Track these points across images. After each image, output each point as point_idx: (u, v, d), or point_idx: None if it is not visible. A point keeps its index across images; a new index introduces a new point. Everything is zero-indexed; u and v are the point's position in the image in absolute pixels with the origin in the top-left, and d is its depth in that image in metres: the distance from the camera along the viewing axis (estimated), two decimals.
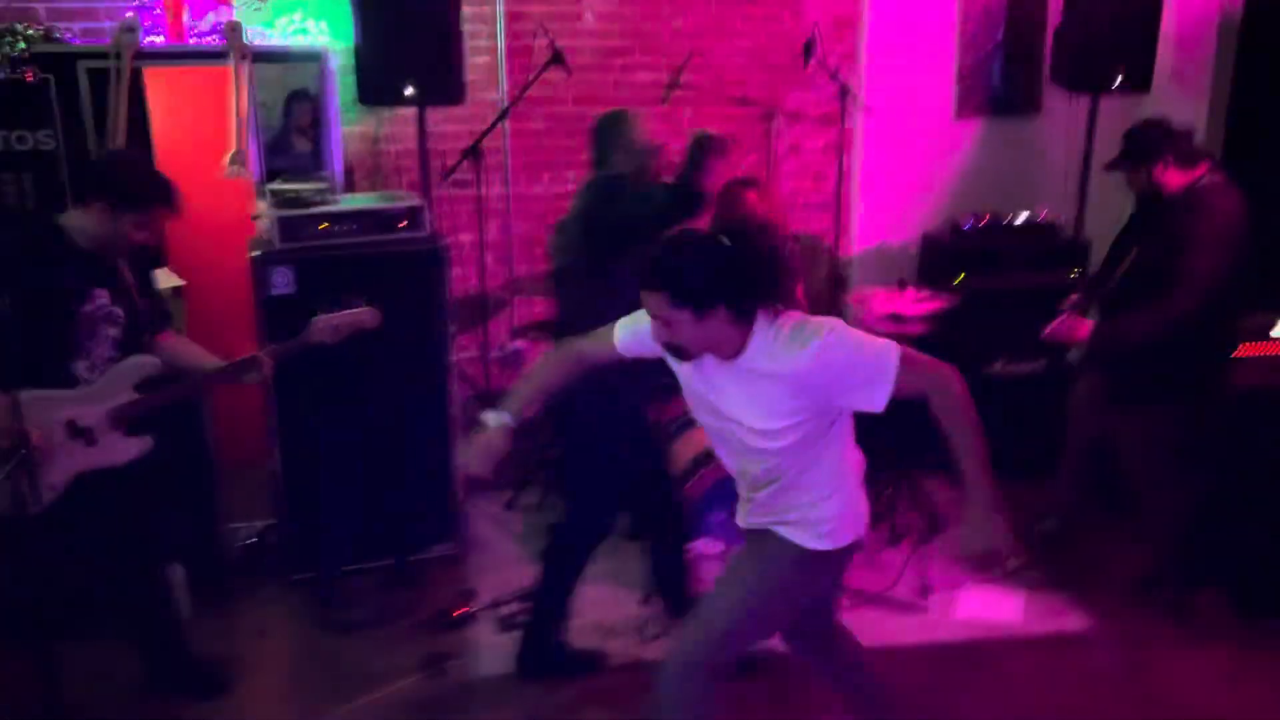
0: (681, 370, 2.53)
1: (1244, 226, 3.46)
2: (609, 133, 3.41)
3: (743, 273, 2.30)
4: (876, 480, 4.34)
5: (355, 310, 3.37)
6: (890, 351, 2.30)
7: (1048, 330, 3.74)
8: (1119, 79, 4.72)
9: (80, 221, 2.93)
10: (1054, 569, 4.12)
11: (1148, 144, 3.55)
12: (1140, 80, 4.78)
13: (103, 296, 2.97)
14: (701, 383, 2.49)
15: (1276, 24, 4.78)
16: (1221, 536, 3.84)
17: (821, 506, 2.50)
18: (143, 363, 3.06)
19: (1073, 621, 3.87)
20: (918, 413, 2.35)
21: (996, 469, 2.40)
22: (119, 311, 3.02)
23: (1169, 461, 3.70)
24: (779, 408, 2.37)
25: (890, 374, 2.28)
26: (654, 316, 2.34)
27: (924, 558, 4.13)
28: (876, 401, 2.30)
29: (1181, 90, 5.13)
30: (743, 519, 2.68)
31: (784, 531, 2.54)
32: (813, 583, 2.64)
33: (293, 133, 4.48)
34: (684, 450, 3.99)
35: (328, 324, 3.32)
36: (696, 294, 2.25)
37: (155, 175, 3.05)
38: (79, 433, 2.96)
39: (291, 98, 4.44)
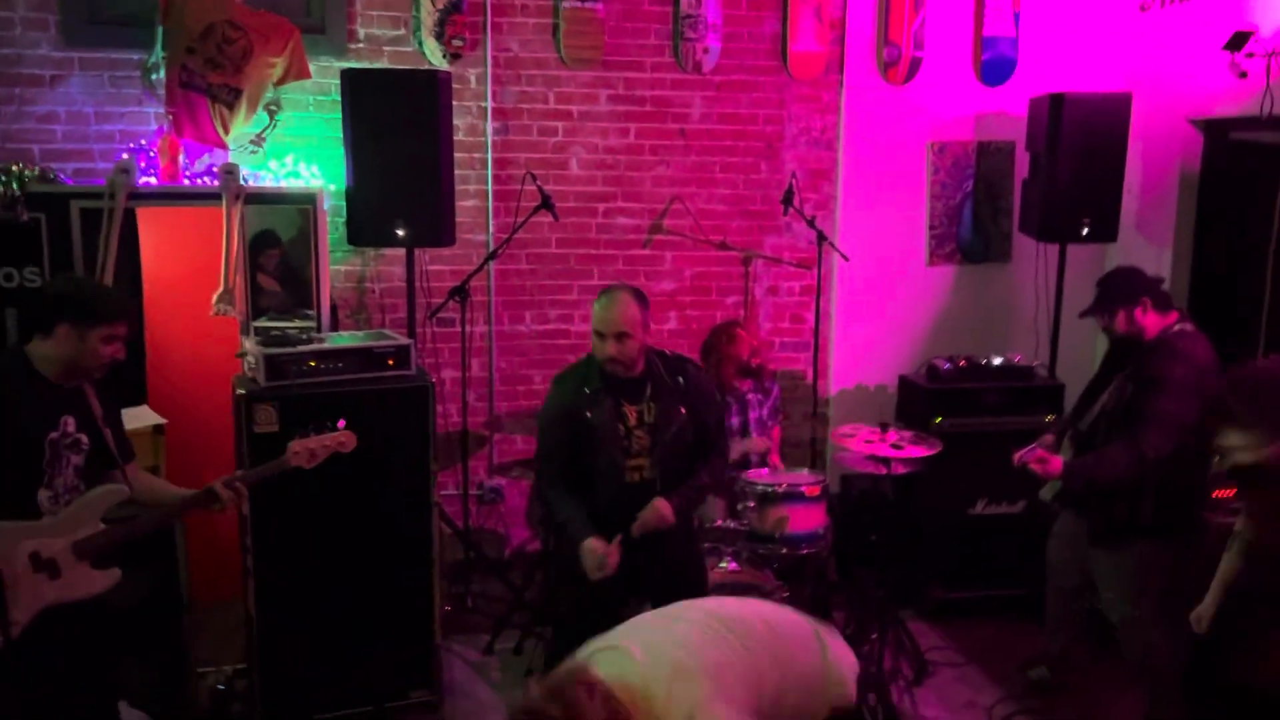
0: None
1: (1216, 372, 3.54)
2: None
3: None
4: (863, 626, 4.28)
5: (332, 433, 3.25)
6: None
7: (1018, 455, 3.75)
8: (1086, 230, 4.89)
9: (45, 349, 2.90)
10: (1047, 717, 4.03)
11: (1128, 288, 3.66)
12: (1106, 231, 4.95)
13: (70, 424, 2.92)
14: None
15: (1232, 177, 4.99)
16: (1219, 676, 3.78)
17: None
18: (112, 491, 2.97)
19: None
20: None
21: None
22: (84, 439, 2.95)
23: (1156, 602, 3.68)
24: None
25: None
26: None
27: (913, 703, 4.04)
28: None
29: (1147, 239, 5.33)
30: None
31: None
32: None
33: (258, 275, 4.21)
34: None
35: (304, 448, 3.19)
36: None
37: (109, 288, 3.04)
38: (42, 565, 2.82)
39: (256, 240, 4.18)
